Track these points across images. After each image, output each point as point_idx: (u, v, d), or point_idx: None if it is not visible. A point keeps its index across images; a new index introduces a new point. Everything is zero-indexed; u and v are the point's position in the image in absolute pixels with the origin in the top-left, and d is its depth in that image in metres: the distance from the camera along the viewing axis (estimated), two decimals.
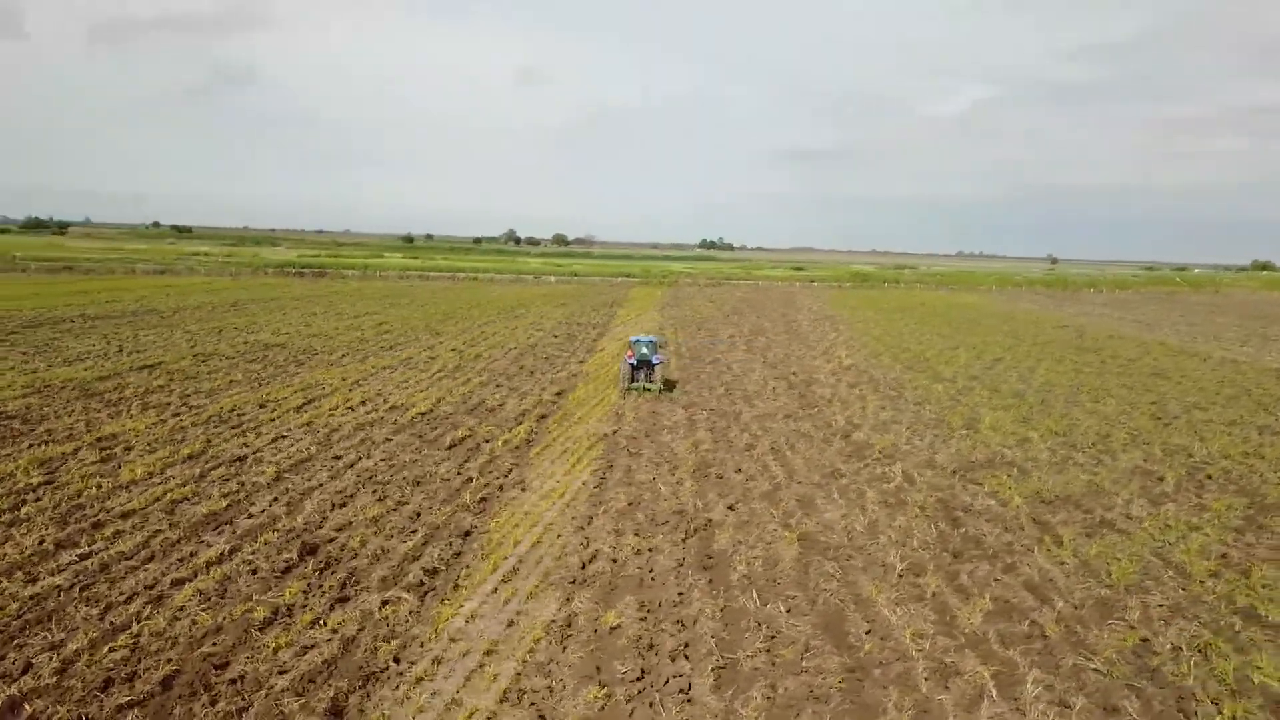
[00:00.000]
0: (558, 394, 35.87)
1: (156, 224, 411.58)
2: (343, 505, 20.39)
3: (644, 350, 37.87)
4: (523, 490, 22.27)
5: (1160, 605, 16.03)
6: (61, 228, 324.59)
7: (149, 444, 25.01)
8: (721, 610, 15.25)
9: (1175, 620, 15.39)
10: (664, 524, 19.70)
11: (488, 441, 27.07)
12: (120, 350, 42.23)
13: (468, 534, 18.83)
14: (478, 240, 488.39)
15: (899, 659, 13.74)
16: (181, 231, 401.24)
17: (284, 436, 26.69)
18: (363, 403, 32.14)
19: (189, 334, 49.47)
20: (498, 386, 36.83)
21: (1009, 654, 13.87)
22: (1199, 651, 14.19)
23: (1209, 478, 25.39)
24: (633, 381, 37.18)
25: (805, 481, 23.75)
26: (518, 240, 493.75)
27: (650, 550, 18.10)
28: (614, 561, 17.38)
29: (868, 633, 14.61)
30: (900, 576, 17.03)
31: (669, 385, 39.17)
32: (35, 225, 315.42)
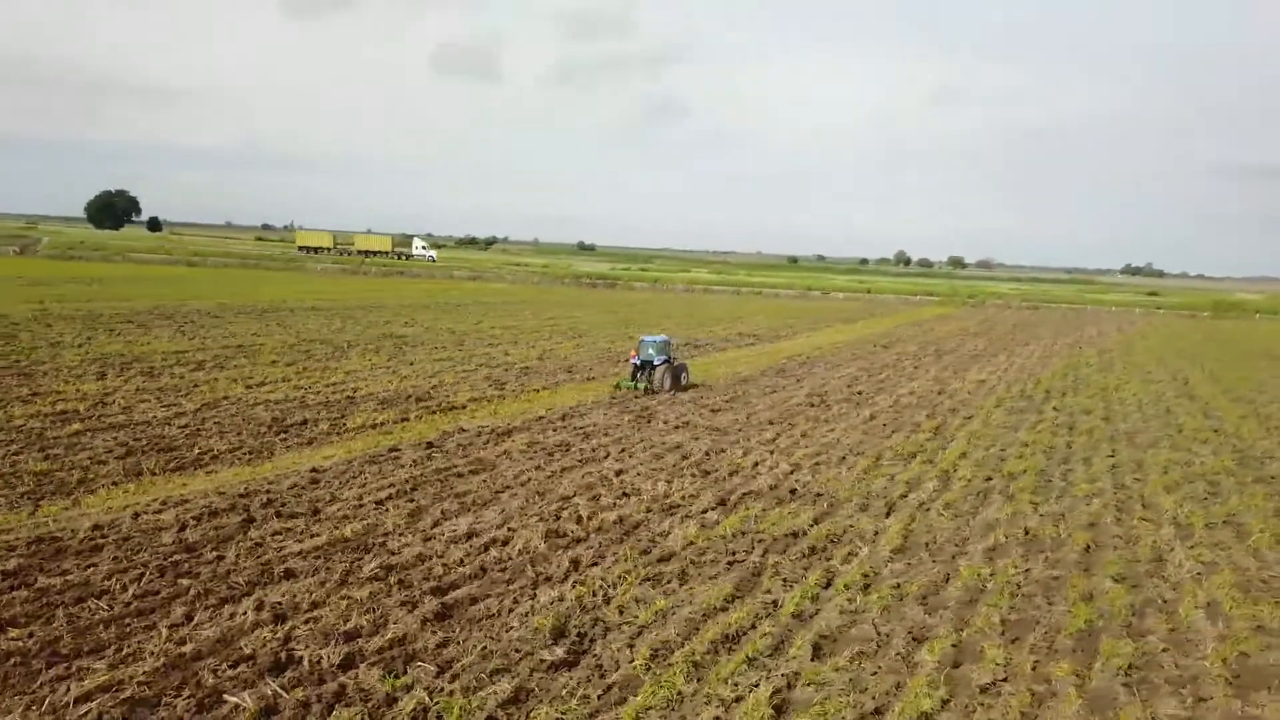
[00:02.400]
0: (526, 389, 35.03)
1: (581, 243, 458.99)
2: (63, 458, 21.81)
3: (649, 351, 36.69)
4: (222, 467, 22.29)
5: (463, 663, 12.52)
6: (488, 244, 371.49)
7: (64, 398, 28.32)
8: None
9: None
10: (215, 517, 18.51)
11: (317, 424, 27.21)
12: (255, 335, 47.81)
13: (71, 498, 19.28)
14: (864, 261, 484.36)
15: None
16: (585, 249, 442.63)
17: (181, 407, 28.86)
18: (327, 385, 33.69)
19: (343, 325, 54.81)
20: (491, 382, 36.73)
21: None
22: None
23: (1090, 546, 19.00)
24: (632, 380, 35.92)
25: (523, 493, 21.28)
26: (907, 261, 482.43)
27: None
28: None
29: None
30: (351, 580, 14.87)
31: (684, 388, 36.94)
32: (470, 242, 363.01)
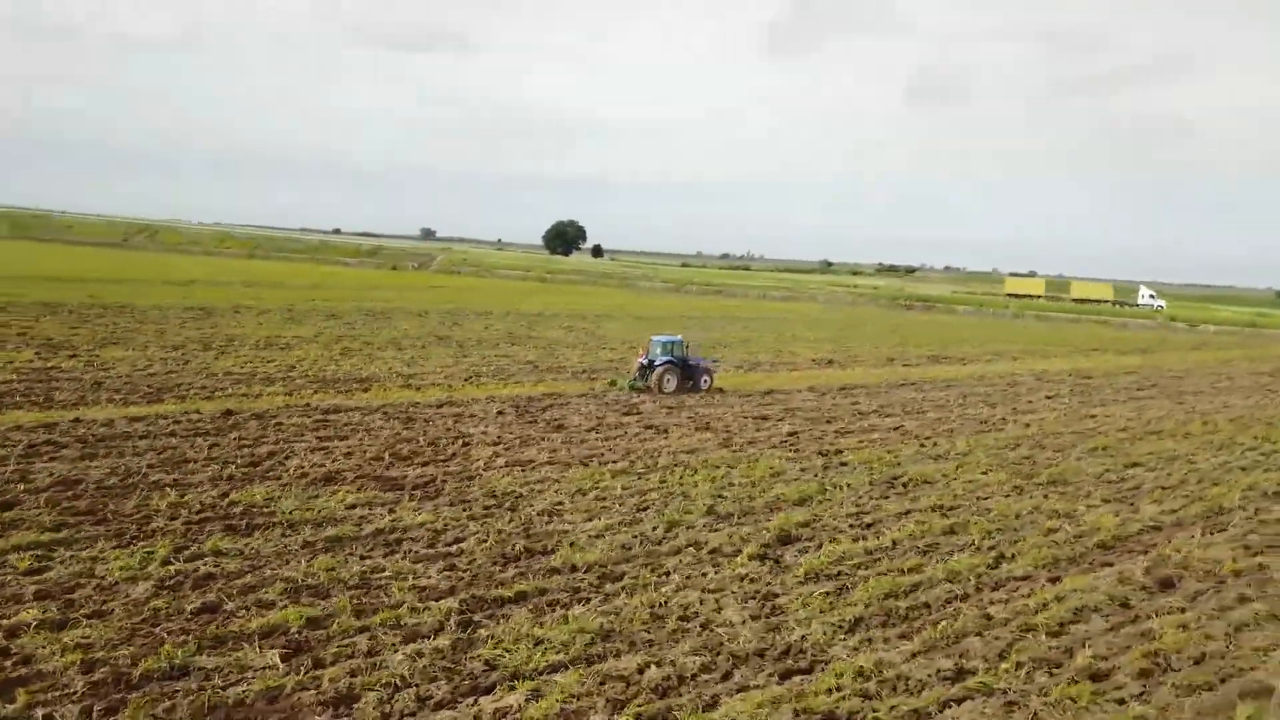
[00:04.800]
0: (492, 382, 35.67)
1: (994, 270, 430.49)
2: None
3: (656, 350, 36.34)
4: (37, 410, 25.91)
5: None
6: (910, 271, 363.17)
7: (90, 355, 34.56)
8: None
9: None
10: None
11: (186, 390, 30.29)
12: (388, 330, 51.93)
13: None
14: None
15: None
16: (911, 271, 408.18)
17: (154, 369, 33.65)
18: (322, 368, 37.01)
19: (500, 329, 58.04)
20: (470, 374, 37.44)
21: None
22: None
23: (671, 571, 16.20)
24: (632, 379, 35.88)
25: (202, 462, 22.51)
26: None
27: None
28: None
29: None
30: None
31: (697, 391, 36.04)
32: (889, 269, 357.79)
